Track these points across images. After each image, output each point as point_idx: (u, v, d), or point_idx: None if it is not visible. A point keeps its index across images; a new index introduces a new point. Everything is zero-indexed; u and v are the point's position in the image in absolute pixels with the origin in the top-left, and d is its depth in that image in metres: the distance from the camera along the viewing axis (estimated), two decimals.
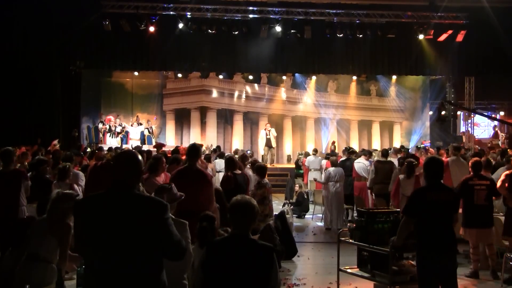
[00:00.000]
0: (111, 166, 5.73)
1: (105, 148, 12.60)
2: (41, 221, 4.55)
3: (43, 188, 6.23)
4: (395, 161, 10.90)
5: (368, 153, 11.89)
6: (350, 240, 5.94)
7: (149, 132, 19.38)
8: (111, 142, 18.50)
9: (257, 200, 7.34)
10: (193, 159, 5.87)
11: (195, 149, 6.00)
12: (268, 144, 17.67)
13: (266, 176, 8.29)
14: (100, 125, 18.87)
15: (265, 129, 18.01)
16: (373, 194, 10.64)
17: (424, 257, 4.51)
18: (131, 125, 19.37)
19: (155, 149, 11.93)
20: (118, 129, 18.93)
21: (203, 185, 5.52)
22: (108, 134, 18.62)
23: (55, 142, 12.40)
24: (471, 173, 6.99)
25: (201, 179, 5.60)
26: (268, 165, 16.30)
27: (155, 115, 20.93)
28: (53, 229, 4.34)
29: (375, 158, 11.59)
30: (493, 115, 21.03)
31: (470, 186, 6.81)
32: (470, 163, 7.15)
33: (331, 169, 10.76)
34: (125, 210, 2.86)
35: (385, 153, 11.12)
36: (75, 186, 6.48)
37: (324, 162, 13.08)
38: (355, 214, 11.21)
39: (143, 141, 18.65)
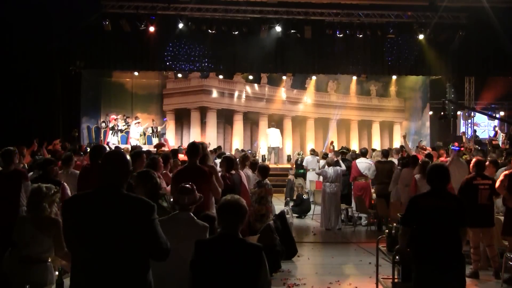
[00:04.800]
0: (98, 167, 5.81)
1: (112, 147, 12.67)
2: (24, 220, 4.39)
3: None
4: (395, 161, 10.91)
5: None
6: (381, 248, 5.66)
7: (153, 131, 19.43)
8: (112, 140, 18.55)
9: (254, 199, 7.41)
10: (193, 158, 5.85)
11: (194, 147, 5.99)
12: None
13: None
14: (103, 125, 18.91)
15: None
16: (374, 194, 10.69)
17: (421, 273, 4.05)
18: (135, 124, 19.40)
19: (155, 149, 11.92)
20: (121, 127, 18.98)
21: (203, 183, 5.50)
22: (111, 132, 18.67)
23: (56, 142, 12.38)
24: (473, 173, 7.01)
25: (200, 176, 5.58)
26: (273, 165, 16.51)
27: (165, 117, 21.00)
28: (42, 226, 4.23)
29: (375, 158, 11.62)
30: (493, 115, 21.01)
31: (474, 186, 6.83)
32: (472, 163, 7.16)
33: (328, 169, 10.76)
34: (113, 209, 2.88)
35: (385, 153, 11.16)
36: (65, 185, 6.39)
37: (321, 162, 13.13)
38: (355, 214, 11.26)
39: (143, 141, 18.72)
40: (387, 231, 5.70)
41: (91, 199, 2.95)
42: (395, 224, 5.53)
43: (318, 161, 14.15)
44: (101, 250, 2.83)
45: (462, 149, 14.01)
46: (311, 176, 13.66)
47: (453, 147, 12.65)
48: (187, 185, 4.19)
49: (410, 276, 4.73)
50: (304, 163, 14.48)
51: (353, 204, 11.23)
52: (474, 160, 7.28)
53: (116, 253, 2.83)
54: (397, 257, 4.94)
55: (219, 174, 6.76)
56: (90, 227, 2.85)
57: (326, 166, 11.02)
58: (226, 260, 3.11)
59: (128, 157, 3.09)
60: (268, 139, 19.12)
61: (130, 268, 2.85)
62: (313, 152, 14.95)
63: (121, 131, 19.01)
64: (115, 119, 19.02)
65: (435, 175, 4.30)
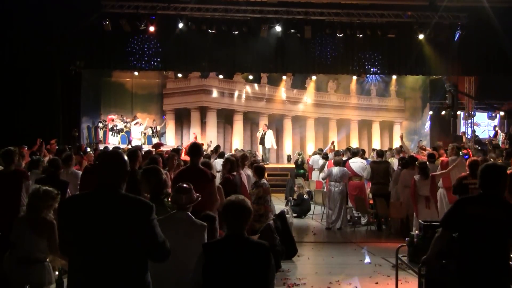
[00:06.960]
0: (95, 167, 5.83)
1: (110, 147, 12.66)
2: (21, 221, 4.42)
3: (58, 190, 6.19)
4: (395, 161, 10.91)
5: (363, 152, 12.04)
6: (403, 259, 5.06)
7: (152, 131, 19.42)
8: (113, 140, 18.55)
9: (253, 199, 7.43)
10: (195, 158, 5.86)
11: (196, 148, 5.99)
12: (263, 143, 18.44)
13: (266, 176, 8.28)
14: (100, 125, 18.90)
15: (262, 129, 18.77)
16: (370, 194, 10.69)
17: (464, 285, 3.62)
18: (135, 124, 19.41)
19: (154, 149, 11.92)
20: (119, 126, 18.98)
21: (204, 184, 5.51)
22: (110, 132, 18.67)
23: (53, 141, 12.37)
24: (466, 173, 7.07)
25: (202, 178, 5.58)
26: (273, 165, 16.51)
27: (164, 115, 20.99)
28: (37, 228, 4.25)
29: (371, 158, 11.65)
30: (493, 114, 21.03)
31: (465, 185, 6.85)
32: (467, 163, 7.19)
33: (333, 168, 10.76)
34: (110, 210, 2.85)
35: (380, 153, 11.16)
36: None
37: (320, 162, 13.12)
38: (355, 214, 11.27)
39: (143, 141, 18.72)
40: (407, 239, 5.13)
41: (88, 200, 2.93)
42: (416, 232, 5.17)
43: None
44: (98, 251, 2.80)
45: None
46: (315, 175, 13.60)
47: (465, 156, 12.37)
48: (185, 184, 4.19)
49: None
50: (310, 162, 14.47)
51: (349, 204, 11.21)
52: (469, 160, 7.31)
53: (114, 254, 2.80)
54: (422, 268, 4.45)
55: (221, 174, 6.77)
56: (86, 228, 2.82)
57: (329, 166, 11.02)
58: (235, 261, 3.10)
59: (125, 157, 3.05)
60: (265, 141, 19.20)
61: (128, 269, 2.83)
62: (321, 152, 14.89)
63: (121, 131, 19.00)
64: (112, 120, 19.00)
65: (489, 178, 3.67)
